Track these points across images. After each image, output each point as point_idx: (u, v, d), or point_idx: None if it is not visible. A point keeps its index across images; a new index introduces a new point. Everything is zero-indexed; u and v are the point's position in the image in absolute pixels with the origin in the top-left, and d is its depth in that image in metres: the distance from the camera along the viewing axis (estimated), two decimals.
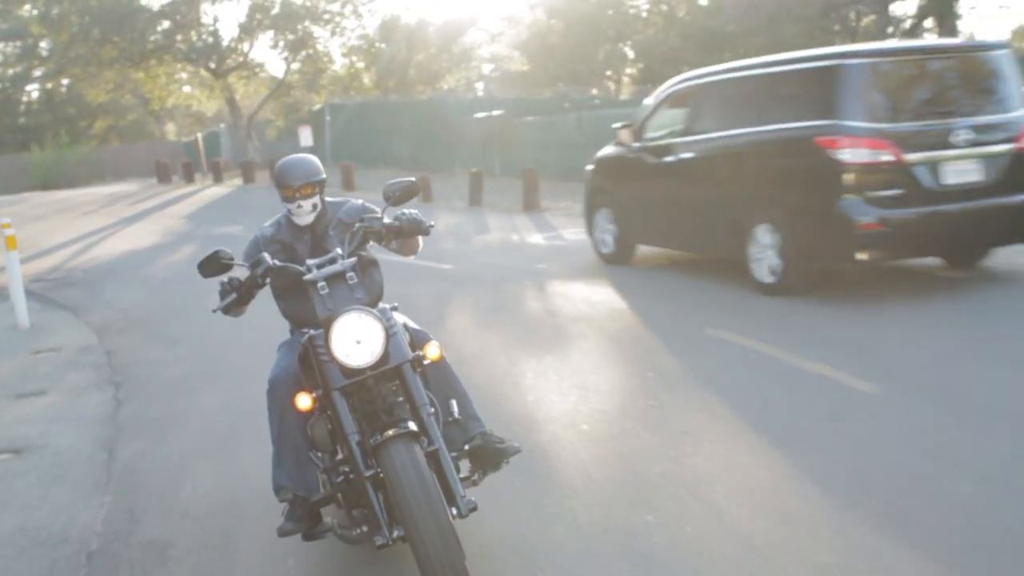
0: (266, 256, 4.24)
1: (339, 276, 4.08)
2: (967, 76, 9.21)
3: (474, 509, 3.91)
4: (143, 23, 38.01)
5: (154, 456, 6.26)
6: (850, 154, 8.51)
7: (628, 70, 51.07)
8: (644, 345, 8.19)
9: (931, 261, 10.21)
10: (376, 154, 32.42)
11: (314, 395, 4.08)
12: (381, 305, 4.24)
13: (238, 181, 33.10)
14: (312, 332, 4.12)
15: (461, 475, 4.17)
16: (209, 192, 30.46)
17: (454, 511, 3.84)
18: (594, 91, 36.50)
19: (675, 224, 10.96)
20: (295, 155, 4.56)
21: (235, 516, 5.14)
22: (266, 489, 4.54)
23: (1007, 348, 7.15)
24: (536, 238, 15.69)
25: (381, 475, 3.80)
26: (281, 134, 39.65)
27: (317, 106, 38.71)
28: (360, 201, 4.68)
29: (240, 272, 4.32)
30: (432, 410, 4.06)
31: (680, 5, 50.26)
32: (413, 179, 4.40)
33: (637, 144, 11.31)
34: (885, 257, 9.06)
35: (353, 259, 4.18)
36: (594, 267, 12.02)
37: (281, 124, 40.46)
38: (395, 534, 3.82)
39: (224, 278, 4.31)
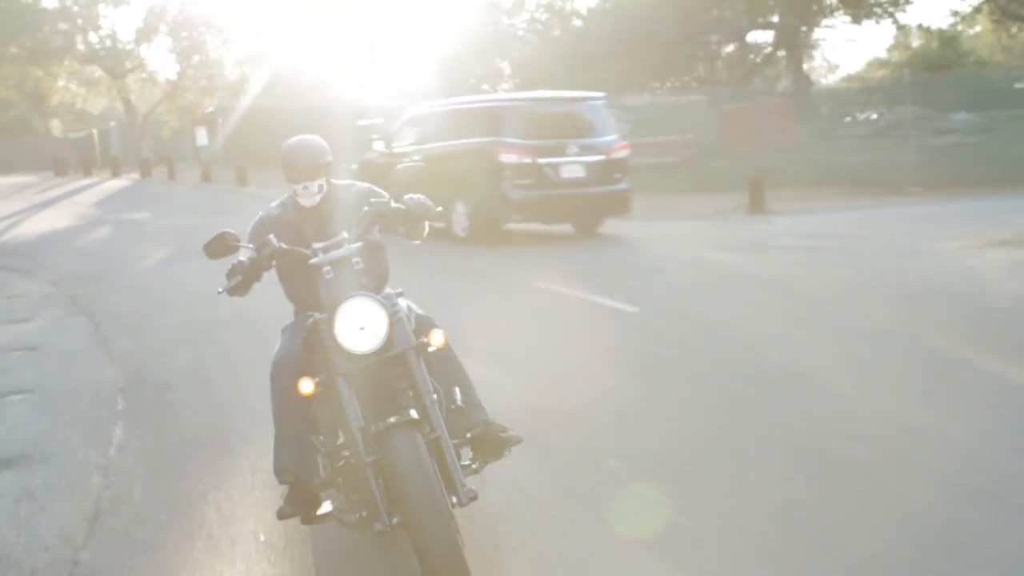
0: (273, 239, 4.27)
1: (345, 261, 4.12)
2: (577, 114, 15.01)
3: (474, 498, 3.93)
4: (47, 24, 39.73)
5: (140, 347, 8.95)
6: (506, 157, 14.05)
7: (504, 85, 54.13)
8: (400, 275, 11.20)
9: (566, 227, 15.75)
10: (267, 154, 34.74)
11: (316, 380, 4.07)
12: (387, 291, 4.26)
13: (135, 175, 35.20)
14: (317, 316, 4.14)
15: (463, 463, 4.20)
16: (109, 184, 32.56)
17: (454, 499, 3.87)
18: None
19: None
20: (302, 136, 4.61)
21: (206, 372, 7.88)
22: (223, 350, 7.24)
23: (662, 278, 10.35)
24: None
25: (382, 461, 3.82)
26: (175, 134, 41.66)
27: (210, 109, 40.88)
28: (367, 184, 4.74)
29: (246, 254, 4.33)
30: (435, 397, 4.07)
31: (556, 26, 53.67)
32: (421, 163, 4.62)
33: (387, 151, 15.96)
34: (528, 220, 14.73)
35: (359, 244, 4.22)
36: None
37: (176, 124, 42.49)
38: (394, 521, 3.81)
39: (233, 260, 4.34)
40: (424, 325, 4.28)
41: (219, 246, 4.27)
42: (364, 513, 3.96)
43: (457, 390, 4.35)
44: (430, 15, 48.51)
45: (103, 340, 9.31)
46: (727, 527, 4.50)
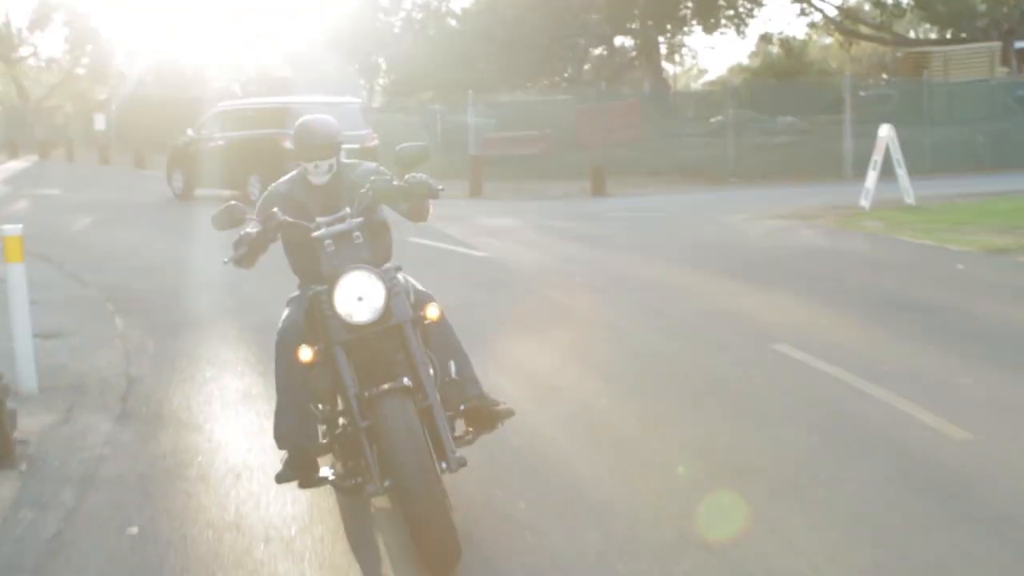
0: (277, 212, 4.41)
1: (346, 235, 4.24)
2: (341, 113, 19.08)
3: (463, 465, 4.09)
4: None
5: (105, 278, 11.60)
6: (288, 144, 19.79)
7: (381, 80, 56.56)
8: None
9: None
10: (158, 140, 36.75)
11: (316, 348, 4.19)
12: (386, 265, 4.39)
13: (34, 157, 36.90)
14: (318, 288, 4.25)
15: (456, 434, 4.41)
16: (11, 165, 34.32)
17: (443, 465, 4.02)
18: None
19: (214, 176, 20.19)
20: (315, 115, 4.74)
21: (167, 291, 10.61)
22: (176, 281, 9.95)
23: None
24: None
25: (375, 427, 3.95)
26: (68, 119, 43.11)
27: (104, 96, 42.52)
28: (374, 164, 4.80)
29: (252, 226, 4.46)
30: (430, 369, 4.24)
31: (431, 25, 56.37)
32: (424, 144, 4.64)
33: (196, 136, 21.09)
34: None
35: (360, 219, 4.32)
36: (172, 201, 21.20)
37: (69, 110, 43.93)
38: (386, 484, 3.96)
39: (239, 231, 4.49)
40: (421, 299, 4.44)
41: (226, 218, 4.50)
42: (359, 479, 4.15)
43: (452, 364, 4.51)
44: (304, 9, 50.55)
45: (72, 274, 11.90)
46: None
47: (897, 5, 44.96)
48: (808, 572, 4.04)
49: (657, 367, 7.31)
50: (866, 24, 48.56)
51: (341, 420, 4.32)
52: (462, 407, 4.58)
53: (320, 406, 4.42)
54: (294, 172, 4.75)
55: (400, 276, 4.43)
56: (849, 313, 8.90)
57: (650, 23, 49.16)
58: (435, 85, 49.11)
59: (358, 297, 4.08)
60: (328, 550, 4.30)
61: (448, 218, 17.27)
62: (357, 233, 4.27)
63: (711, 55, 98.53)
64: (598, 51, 56.30)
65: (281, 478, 4.47)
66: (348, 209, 4.36)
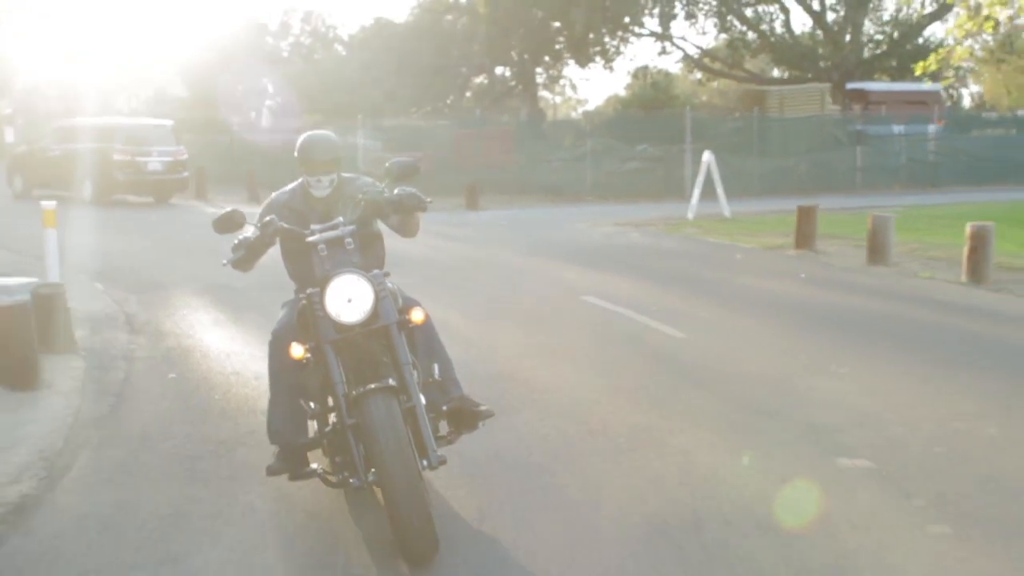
0: (275, 218, 4.69)
1: (338, 241, 4.52)
2: (159, 132, 26.12)
3: (443, 462, 4.36)
4: None
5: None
6: (117, 156, 24.03)
7: (268, 102, 58.51)
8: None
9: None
10: None
11: (307, 347, 4.44)
12: (375, 271, 4.52)
13: None
14: (311, 290, 4.46)
15: (439, 434, 4.72)
16: None
17: (425, 463, 4.26)
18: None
19: (52, 180, 24.37)
20: (317, 132, 5.02)
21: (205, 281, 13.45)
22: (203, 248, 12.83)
23: None
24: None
25: (360, 424, 4.19)
26: None
27: (8, 110, 44.15)
28: (370, 179, 5.04)
29: (250, 231, 4.72)
30: (414, 370, 4.49)
31: (319, 50, 58.96)
32: (414, 160, 4.93)
33: (33, 147, 26.16)
34: (128, 193, 24.80)
35: (352, 227, 4.59)
36: (9, 200, 24.92)
37: None
38: (370, 479, 4.26)
39: (237, 236, 4.74)
40: (407, 304, 4.65)
41: (227, 223, 4.66)
42: (345, 474, 4.39)
43: (436, 366, 4.76)
44: (192, 29, 52.33)
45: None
46: None
47: (747, 46, 49.77)
48: (578, 389, 7.31)
49: (500, 310, 10.57)
50: (723, 62, 53.11)
51: (331, 417, 4.52)
52: (444, 408, 4.82)
53: (312, 404, 4.63)
54: (295, 184, 5.04)
55: (388, 282, 4.60)
56: (643, 281, 12.36)
57: (526, 56, 52.72)
58: (322, 109, 51.88)
59: (348, 299, 4.30)
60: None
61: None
62: (349, 240, 4.50)
63: (594, 85, 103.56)
64: (479, 79, 59.73)
65: (272, 470, 4.74)
66: (341, 218, 4.62)
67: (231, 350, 8.50)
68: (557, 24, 49.01)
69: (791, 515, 4.81)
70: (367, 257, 4.70)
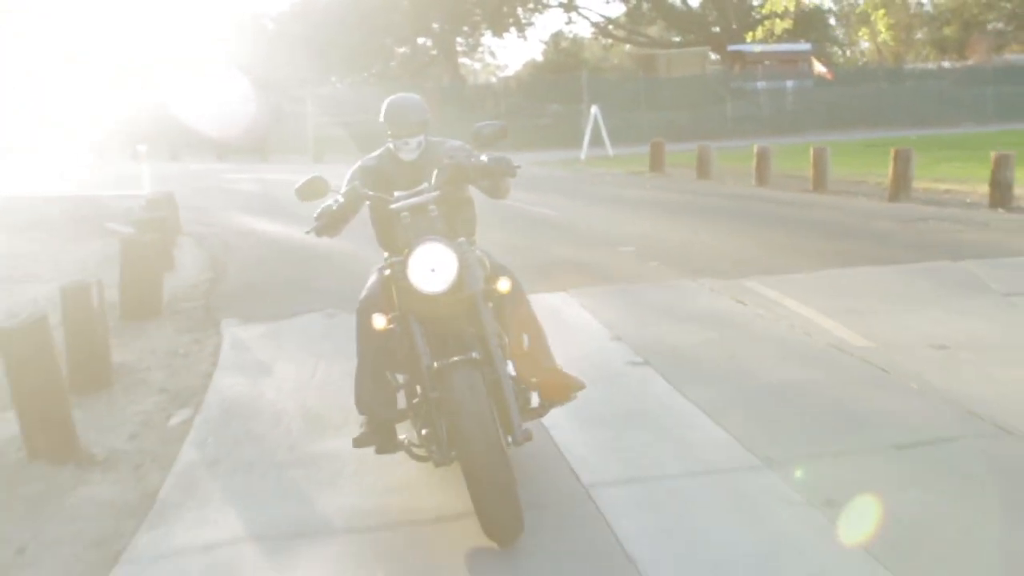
0: (358, 185, 4.58)
1: (422, 208, 4.31)
2: None
3: (529, 439, 4.19)
4: None
5: None
6: None
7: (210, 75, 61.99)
8: None
9: None
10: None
11: (389, 316, 4.33)
12: (460, 239, 4.35)
13: None
14: (395, 259, 4.32)
15: (531, 406, 4.60)
16: None
17: (509, 439, 4.13)
18: None
19: None
20: (404, 95, 4.77)
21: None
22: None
23: None
24: None
25: (443, 397, 4.05)
26: None
27: None
28: (459, 142, 4.86)
29: (333, 198, 4.56)
30: (501, 341, 4.34)
31: (249, 26, 62.75)
32: (502, 123, 4.73)
33: None
34: None
35: (436, 193, 4.37)
36: None
37: None
38: (453, 454, 4.09)
39: (321, 203, 4.57)
40: (496, 272, 4.49)
41: (309, 190, 4.53)
42: (433, 447, 4.26)
43: (526, 336, 4.62)
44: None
45: None
46: None
47: (643, 15, 55.55)
48: None
49: None
50: (625, 29, 58.78)
51: (418, 389, 4.37)
52: (534, 379, 4.62)
53: (400, 376, 4.58)
54: (382, 148, 4.85)
55: (476, 249, 4.51)
56: (535, 193, 17.86)
57: (446, 26, 57.71)
58: (254, 81, 56.04)
59: (431, 268, 4.13)
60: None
61: (300, 171, 25.79)
62: (432, 207, 4.32)
63: (513, 52, 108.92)
64: (402, 49, 64.29)
65: (359, 442, 4.64)
66: (426, 184, 4.42)
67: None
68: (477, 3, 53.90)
69: (595, 265, 10.43)
70: (453, 224, 4.53)
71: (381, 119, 4.66)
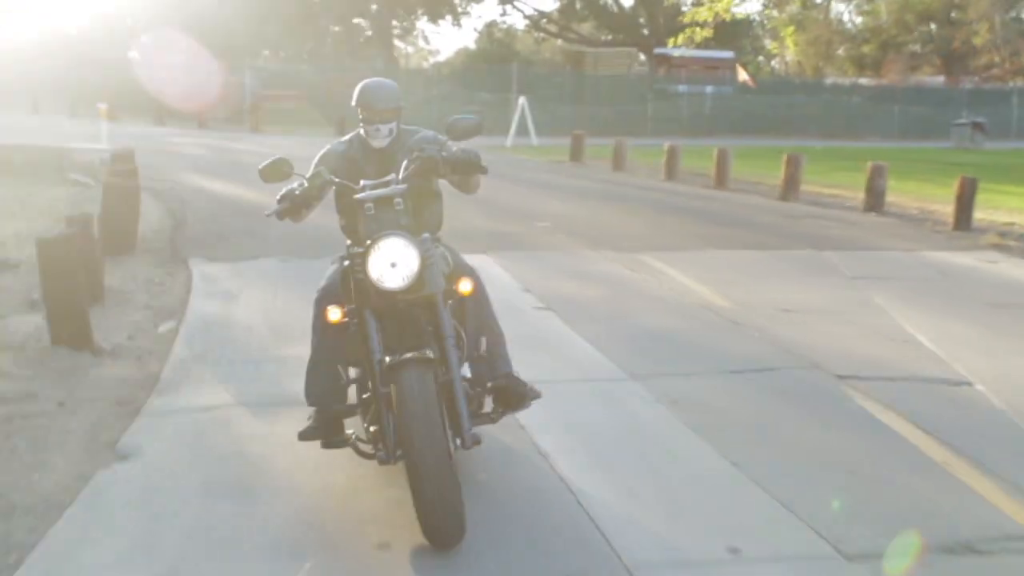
0: (324, 171, 4.48)
1: (387, 200, 4.19)
2: None
3: (477, 443, 4.11)
4: None
5: None
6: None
7: (144, 39, 61.77)
8: None
9: None
10: None
11: (345, 309, 4.22)
12: (424, 235, 4.23)
13: None
14: (355, 250, 4.19)
15: (483, 411, 4.51)
16: None
17: (458, 442, 4.05)
18: None
19: None
20: (377, 79, 4.70)
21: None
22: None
23: None
24: None
25: (393, 395, 3.94)
26: None
27: None
28: (432, 133, 4.74)
29: (297, 181, 4.48)
30: (457, 341, 4.22)
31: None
32: (478, 118, 4.54)
33: None
34: None
35: (403, 186, 4.25)
36: None
37: None
38: (398, 453, 3.96)
39: (284, 187, 4.49)
40: (459, 272, 4.44)
41: (273, 172, 4.46)
42: (379, 445, 4.12)
43: (484, 339, 4.56)
44: None
45: None
46: None
47: (576, 13, 57.30)
48: None
49: None
50: (557, 25, 60.53)
51: (370, 384, 4.23)
52: (490, 384, 4.57)
53: (353, 370, 4.53)
54: (352, 134, 4.81)
55: (442, 246, 4.49)
56: None
57: (384, 9, 58.76)
58: (191, 47, 56.49)
59: (391, 263, 4.04)
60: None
61: (240, 139, 27.00)
62: (399, 200, 4.19)
63: (445, 38, 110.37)
64: (337, 28, 65.20)
65: (304, 435, 4.53)
66: (393, 175, 4.31)
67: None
68: None
69: (513, 235, 11.92)
70: (418, 219, 4.42)
71: (353, 102, 4.64)
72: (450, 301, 4.29)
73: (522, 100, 28.22)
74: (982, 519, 4.41)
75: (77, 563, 3.92)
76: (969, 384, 6.40)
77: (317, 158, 4.76)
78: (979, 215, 13.89)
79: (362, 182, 4.34)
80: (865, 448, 5.24)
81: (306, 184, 4.45)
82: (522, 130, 28.58)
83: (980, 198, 13.83)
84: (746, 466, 4.89)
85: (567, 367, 6.55)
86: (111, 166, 11.50)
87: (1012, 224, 13.85)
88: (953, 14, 58.05)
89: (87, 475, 4.70)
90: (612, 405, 5.83)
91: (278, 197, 4.48)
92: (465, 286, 4.35)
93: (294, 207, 4.47)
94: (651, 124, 38.49)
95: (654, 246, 11.23)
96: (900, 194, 16.78)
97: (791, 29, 31.13)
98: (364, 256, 4.08)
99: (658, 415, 5.69)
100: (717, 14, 24.72)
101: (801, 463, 5.00)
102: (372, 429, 4.23)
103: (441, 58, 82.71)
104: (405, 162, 4.39)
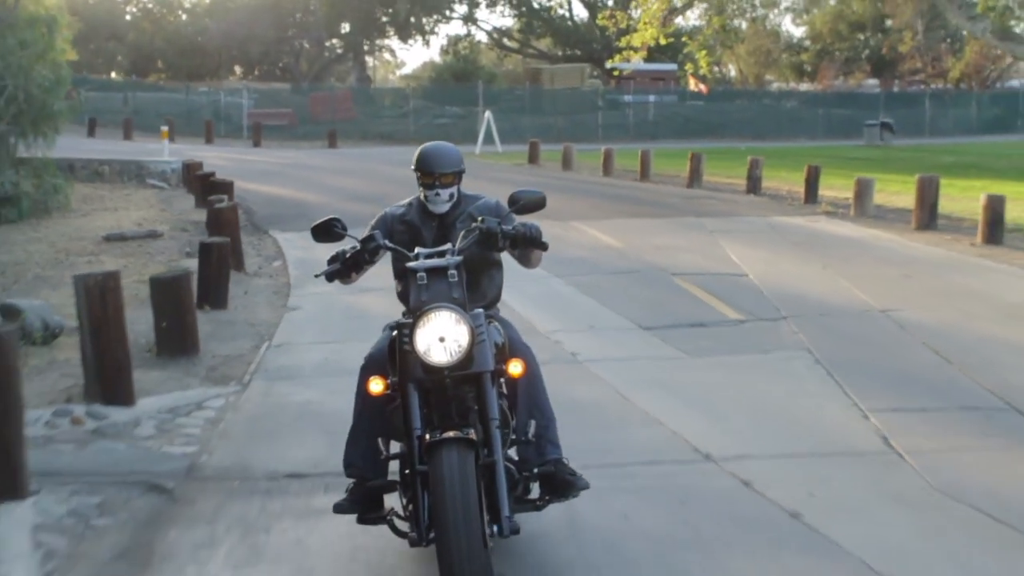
0: (377, 234, 4.41)
1: (441, 271, 4.09)
2: None
3: (516, 532, 3.94)
4: None
5: None
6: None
7: (119, 58, 63.79)
8: None
9: None
10: None
11: (388, 382, 4.12)
12: (477, 310, 4.12)
13: None
14: (402, 321, 4.12)
15: (529, 496, 4.36)
16: None
17: (495, 528, 3.89)
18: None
19: None
20: (438, 142, 4.67)
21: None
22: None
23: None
24: None
25: (431, 474, 3.83)
26: None
27: None
28: (495, 200, 4.66)
29: (349, 244, 4.43)
30: (501, 423, 4.07)
31: (168, 16, 66.19)
32: (542, 193, 4.53)
33: None
34: None
35: (458, 258, 4.16)
36: None
37: None
38: (431, 536, 3.84)
39: (338, 247, 4.46)
40: (512, 350, 4.30)
41: (324, 232, 4.45)
42: (412, 524, 4.02)
43: (533, 423, 4.36)
44: None
45: None
46: None
47: (533, 30, 62.50)
48: None
49: (345, 186, 22.13)
50: (517, 42, 65.56)
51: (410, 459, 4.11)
52: (536, 470, 4.37)
53: (397, 444, 4.38)
54: (411, 197, 4.70)
55: (495, 324, 4.35)
56: None
57: (356, 30, 63.24)
58: (167, 69, 60.06)
59: (440, 337, 3.91)
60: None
61: (249, 153, 31.77)
62: (453, 271, 4.07)
63: (412, 52, 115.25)
64: (307, 46, 68.60)
65: (339, 508, 4.40)
66: (450, 244, 4.26)
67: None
68: (387, 10, 59.55)
69: None
70: (475, 291, 4.36)
71: (412, 167, 4.56)
72: (501, 379, 4.23)
73: (488, 114, 33.24)
74: (704, 310, 9.41)
75: (296, 339, 8.81)
76: (746, 275, 11.41)
77: (374, 220, 4.69)
78: (830, 194, 18.87)
79: (416, 249, 4.26)
80: (672, 298, 10.26)
81: (358, 247, 4.40)
82: (488, 139, 33.49)
83: (840, 182, 18.78)
84: (604, 302, 9.91)
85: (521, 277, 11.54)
86: (195, 173, 16.31)
87: (847, 199, 18.87)
88: (887, 23, 63.33)
89: (279, 316, 9.61)
90: (543, 285, 10.76)
91: (329, 258, 4.46)
92: (515, 368, 4.16)
93: (344, 269, 4.43)
94: (601, 131, 43.46)
95: (581, 217, 16.17)
96: (786, 181, 21.77)
97: (703, 52, 35.91)
98: (412, 327, 3.96)
99: (569, 290, 10.66)
100: (644, 41, 29.90)
101: (634, 303, 9.99)
102: (410, 508, 4.13)
103: (408, 70, 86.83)
104: (463, 232, 4.35)
